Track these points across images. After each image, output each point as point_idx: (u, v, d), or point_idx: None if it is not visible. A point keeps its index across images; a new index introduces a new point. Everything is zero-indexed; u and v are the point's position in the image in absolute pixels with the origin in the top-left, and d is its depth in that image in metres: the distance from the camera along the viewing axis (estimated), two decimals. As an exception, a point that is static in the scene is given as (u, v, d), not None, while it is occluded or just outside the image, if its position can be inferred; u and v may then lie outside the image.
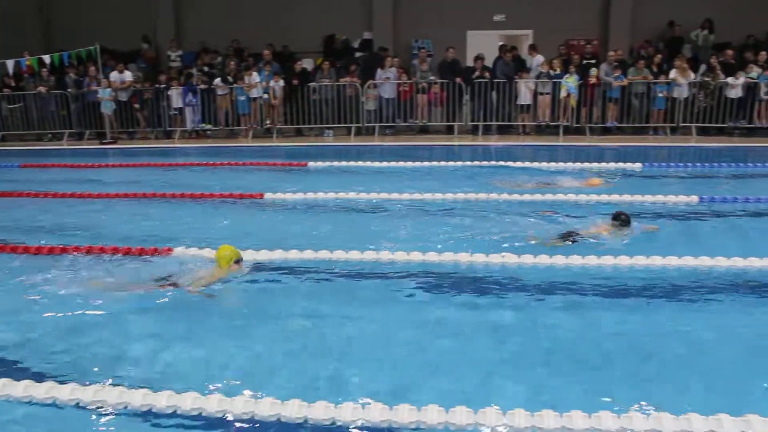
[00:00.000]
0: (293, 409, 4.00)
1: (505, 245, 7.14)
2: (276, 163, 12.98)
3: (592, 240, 7.38)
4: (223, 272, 6.26)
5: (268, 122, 16.45)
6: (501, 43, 18.39)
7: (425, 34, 20.06)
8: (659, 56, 16.83)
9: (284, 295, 6.13)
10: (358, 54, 19.47)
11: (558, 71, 16.01)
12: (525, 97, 16.02)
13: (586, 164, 12.04)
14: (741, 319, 5.53)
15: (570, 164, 12.04)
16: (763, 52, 16.30)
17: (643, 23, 19.75)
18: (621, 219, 7.54)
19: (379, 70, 16.38)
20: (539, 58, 16.63)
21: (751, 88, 15.81)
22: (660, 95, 15.93)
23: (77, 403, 4.18)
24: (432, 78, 16.24)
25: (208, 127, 16.78)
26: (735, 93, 15.77)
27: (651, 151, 14.20)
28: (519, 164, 12.14)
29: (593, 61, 16.87)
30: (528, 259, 6.69)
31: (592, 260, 6.68)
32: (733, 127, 16.10)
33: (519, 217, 8.49)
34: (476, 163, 12.46)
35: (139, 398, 4.16)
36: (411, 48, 19.79)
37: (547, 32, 19.17)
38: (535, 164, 12.10)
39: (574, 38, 20.04)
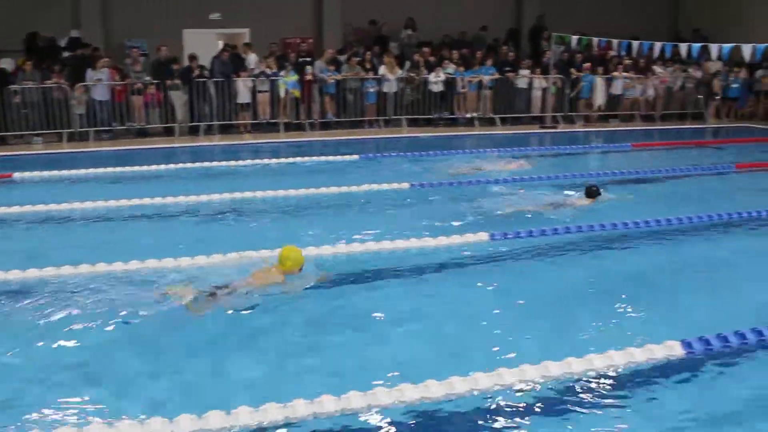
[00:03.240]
0: None
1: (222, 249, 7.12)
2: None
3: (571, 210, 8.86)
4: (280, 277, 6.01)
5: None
6: (224, 43, 18.35)
7: (139, 33, 19.33)
8: (369, 53, 17.80)
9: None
10: (65, 54, 18.20)
11: (274, 69, 16.30)
12: (244, 96, 16.10)
13: (307, 158, 12.53)
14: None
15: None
16: (456, 51, 18.14)
17: (353, 22, 20.82)
18: (596, 193, 9.11)
19: (89, 71, 15.46)
20: (253, 57, 16.83)
21: (450, 83, 17.40)
22: (371, 90, 16.93)
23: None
24: (147, 78, 15.70)
25: None
26: (437, 87, 17.25)
27: (367, 143, 15.02)
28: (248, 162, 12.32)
29: (309, 59, 17.42)
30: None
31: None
32: (437, 118, 17.59)
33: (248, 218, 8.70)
34: (198, 164, 12.35)
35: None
36: (124, 47, 18.96)
37: (264, 31, 19.45)
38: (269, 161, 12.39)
39: (290, 36, 20.57)
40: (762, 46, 13.93)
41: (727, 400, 4.47)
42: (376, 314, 5.70)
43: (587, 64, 18.39)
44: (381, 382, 4.44)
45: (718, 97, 19.01)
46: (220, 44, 18.45)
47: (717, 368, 4.86)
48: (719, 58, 15.33)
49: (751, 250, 7.83)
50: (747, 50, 14.21)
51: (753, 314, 5.65)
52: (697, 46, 15.30)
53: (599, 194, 9.20)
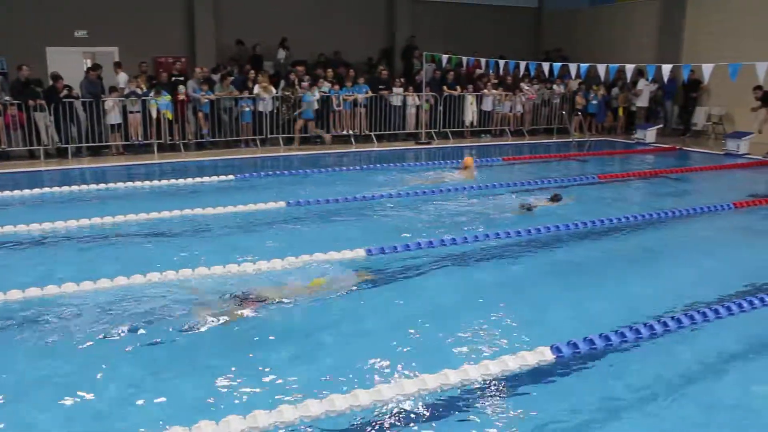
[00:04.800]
0: None
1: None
2: None
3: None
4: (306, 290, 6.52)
5: None
6: (89, 63, 17.66)
7: (-2, 50, 18.39)
8: (253, 73, 17.64)
9: None
10: None
11: (145, 89, 15.92)
12: (115, 117, 15.61)
13: (182, 180, 12.28)
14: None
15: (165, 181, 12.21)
16: (331, 70, 18.35)
17: (227, 42, 20.66)
18: (559, 198, 10.73)
19: (-59, 91, 14.54)
20: (123, 76, 16.37)
21: (325, 101, 17.55)
22: (247, 109, 16.83)
23: None
24: (7, 98, 14.89)
25: None
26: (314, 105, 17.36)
27: (244, 162, 14.90)
28: (120, 185, 11.92)
29: (182, 78, 17.12)
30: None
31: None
32: (315, 136, 17.68)
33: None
34: (66, 188, 11.81)
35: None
36: (-20, 66, 17.98)
37: (134, 49, 18.97)
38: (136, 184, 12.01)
39: (162, 56, 20.16)
40: (614, 66, 14.91)
41: (594, 400, 4.70)
42: (247, 336, 5.66)
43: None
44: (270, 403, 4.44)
45: (581, 113, 20.16)
46: (87, 63, 17.83)
47: (585, 369, 5.13)
48: (578, 76, 16.27)
49: (613, 254, 8.34)
50: (602, 70, 15.17)
51: (616, 316, 6.02)
52: (558, 65, 16.18)
53: (561, 198, 10.79)
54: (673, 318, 5.90)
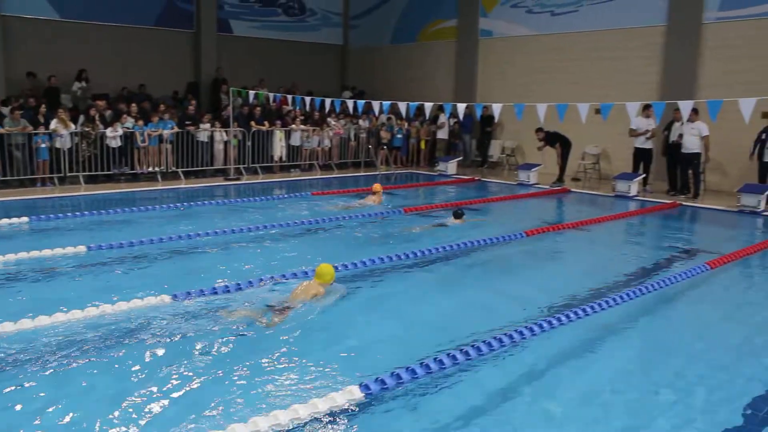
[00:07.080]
0: None
1: None
2: None
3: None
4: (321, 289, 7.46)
5: None
6: None
7: None
8: (43, 108, 16.66)
9: None
10: None
11: None
12: None
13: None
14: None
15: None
16: (134, 104, 17.78)
17: (17, 75, 19.42)
18: (461, 213, 12.37)
19: None
20: None
21: (129, 137, 16.95)
22: (43, 146, 15.86)
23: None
24: None
25: None
26: (115, 142, 16.69)
27: (39, 203, 14.00)
28: None
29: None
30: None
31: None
32: (118, 173, 16.99)
33: None
34: None
35: None
36: None
37: None
38: None
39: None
40: (414, 104, 15.73)
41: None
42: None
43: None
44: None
45: (386, 147, 20.98)
46: None
47: (395, 404, 5.26)
48: (381, 112, 16.98)
49: (414, 285, 8.70)
50: (402, 106, 15.94)
51: (422, 348, 6.25)
52: (361, 102, 16.79)
53: (463, 214, 12.35)
54: (473, 346, 6.25)
